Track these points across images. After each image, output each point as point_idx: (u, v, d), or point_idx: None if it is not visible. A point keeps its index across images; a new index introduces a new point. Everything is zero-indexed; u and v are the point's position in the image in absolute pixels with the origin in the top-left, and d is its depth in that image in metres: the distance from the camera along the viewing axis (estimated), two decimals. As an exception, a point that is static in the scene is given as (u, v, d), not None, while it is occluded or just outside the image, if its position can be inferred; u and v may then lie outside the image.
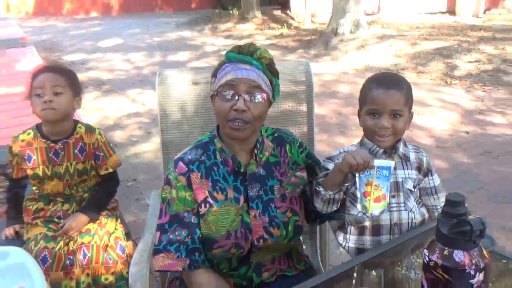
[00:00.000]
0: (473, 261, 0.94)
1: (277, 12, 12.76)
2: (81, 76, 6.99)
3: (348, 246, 1.53)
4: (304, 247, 1.78)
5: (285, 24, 11.03)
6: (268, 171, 1.43)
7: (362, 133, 1.51)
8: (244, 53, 1.35)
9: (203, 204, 1.37)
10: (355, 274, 1.16)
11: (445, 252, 0.96)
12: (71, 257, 1.75)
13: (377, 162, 1.27)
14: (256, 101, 1.32)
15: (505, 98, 5.63)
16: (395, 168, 1.46)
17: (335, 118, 5.05)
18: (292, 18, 11.94)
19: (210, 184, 1.38)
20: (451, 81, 6.36)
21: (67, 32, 11.84)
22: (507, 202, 3.28)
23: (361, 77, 6.67)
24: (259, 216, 1.38)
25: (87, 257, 1.76)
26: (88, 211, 1.85)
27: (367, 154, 1.31)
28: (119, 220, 1.97)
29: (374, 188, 1.27)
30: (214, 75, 1.40)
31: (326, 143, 4.36)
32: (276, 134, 1.50)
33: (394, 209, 1.47)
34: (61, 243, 1.76)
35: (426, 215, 1.53)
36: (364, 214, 1.38)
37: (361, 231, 1.50)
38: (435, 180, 1.55)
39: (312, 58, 7.96)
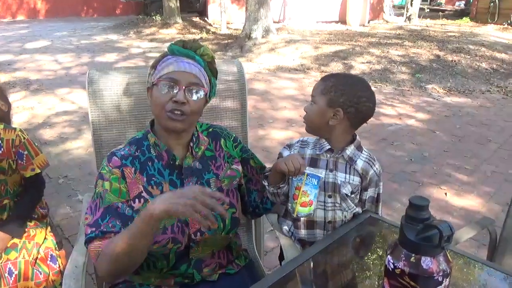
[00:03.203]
0: (440, 267, 0.77)
1: (196, 19, 12.31)
2: (8, 76, 6.19)
3: (294, 236, 1.36)
4: (241, 239, 1.58)
5: (203, 30, 10.66)
6: (204, 165, 1.24)
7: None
8: (188, 48, 1.17)
9: (137, 200, 1.14)
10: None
11: (412, 259, 0.78)
12: (-5, 276, 1.37)
13: (308, 170, 1.16)
14: (197, 95, 1.15)
15: (393, 93, 5.80)
16: (336, 170, 1.28)
17: (254, 112, 4.86)
18: (210, 25, 11.57)
19: (145, 179, 1.16)
20: (348, 79, 6.43)
21: (-7, 35, 10.53)
22: (402, 181, 3.31)
23: (274, 76, 6.56)
24: None
25: (14, 275, 1.39)
26: (10, 227, 1.44)
27: (301, 160, 1.16)
28: (49, 228, 1.59)
29: (302, 193, 1.16)
30: (154, 66, 1.19)
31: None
32: (210, 129, 1.32)
33: (329, 208, 1.29)
34: (-18, 262, 1.37)
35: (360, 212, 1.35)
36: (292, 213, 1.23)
37: (296, 224, 1.34)
38: (368, 194, 1.33)
39: (229, 59, 7.71)
